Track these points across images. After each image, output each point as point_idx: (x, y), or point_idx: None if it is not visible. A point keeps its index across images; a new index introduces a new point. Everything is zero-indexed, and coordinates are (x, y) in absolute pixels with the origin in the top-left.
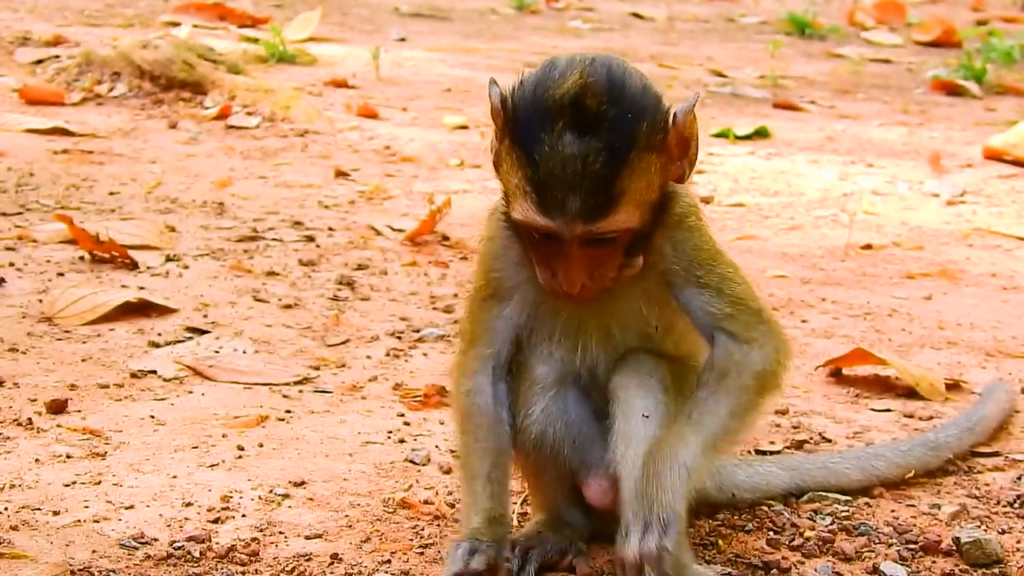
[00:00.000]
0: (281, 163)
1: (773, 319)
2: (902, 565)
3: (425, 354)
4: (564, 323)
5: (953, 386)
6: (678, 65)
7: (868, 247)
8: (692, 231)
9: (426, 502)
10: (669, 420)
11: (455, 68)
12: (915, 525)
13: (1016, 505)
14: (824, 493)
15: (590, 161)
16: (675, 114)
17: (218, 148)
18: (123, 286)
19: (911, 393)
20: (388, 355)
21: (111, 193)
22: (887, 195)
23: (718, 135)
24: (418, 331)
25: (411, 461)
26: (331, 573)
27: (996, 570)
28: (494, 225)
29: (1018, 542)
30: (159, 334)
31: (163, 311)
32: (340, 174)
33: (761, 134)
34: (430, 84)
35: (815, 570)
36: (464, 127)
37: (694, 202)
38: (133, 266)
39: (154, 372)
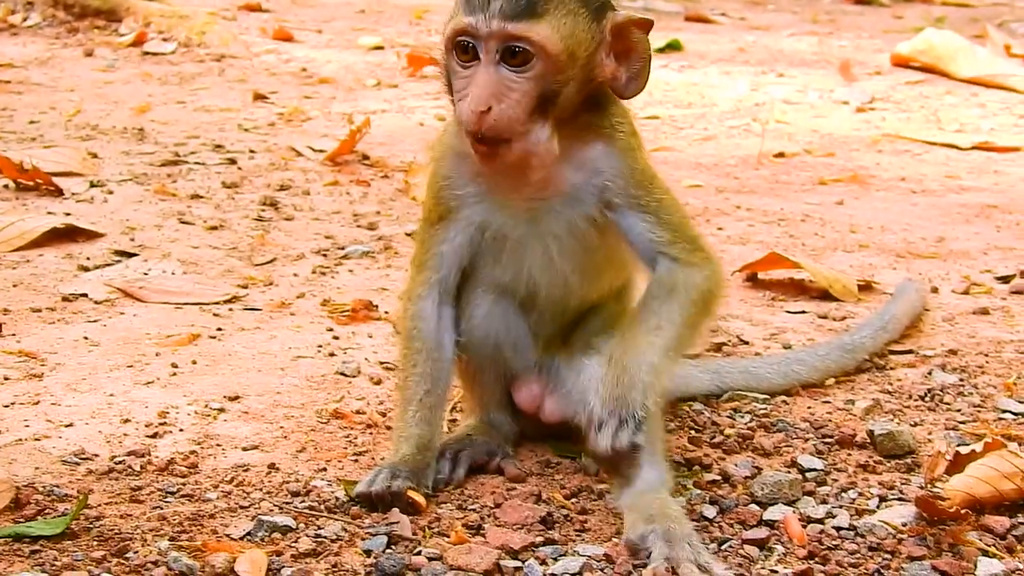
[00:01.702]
0: (199, 88)
1: (708, 245)
2: (818, 458)
3: (351, 271)
4: (509, 246)
5: (865, 287)
6: None
7: (780, 155)
8: (629, 151)
9: (358, 412)
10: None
11: None
12: (830, 420)
13: (927, 399)
14: (744, 392)
15: None
16: (617, 12)
17: (135, 75)
18: (49, 212)
19: (825, 295)
20: (315, 272)
21: (31, 122)
22: (798, 104)
23: None
24: (343, 248)
25: (342, 373)
26: (269, 482)
27: (908, 460)
28: (442, 146)
29: (929, 433)
30: (87, 258)
31: (90, 236)
32: (258, 97)
33: (674, 47)
34: (344, 5)
35: (735, 465)
36: (380, 47)
37: (633, 127)
38: (58, 193)
39: (85, 295)
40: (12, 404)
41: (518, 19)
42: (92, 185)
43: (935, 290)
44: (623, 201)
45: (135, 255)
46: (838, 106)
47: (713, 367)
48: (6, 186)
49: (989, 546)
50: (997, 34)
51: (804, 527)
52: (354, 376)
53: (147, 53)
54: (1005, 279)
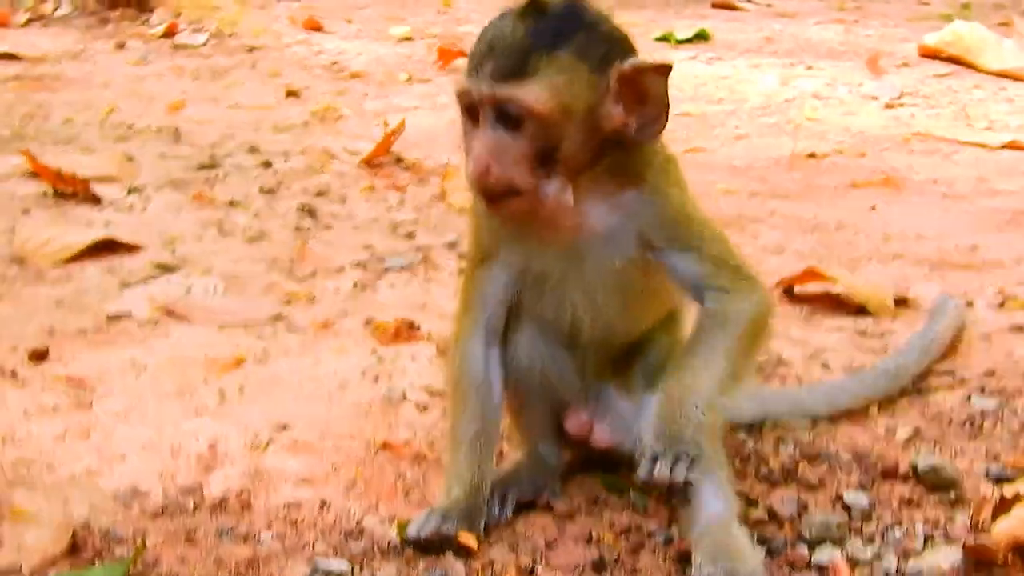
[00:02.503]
0: (232, 83)
1: (752, 270)
2: (863, 492)
3: (392, 285)
4: (550, 287)
5: (901, 302)
6: None
7: (812, 155)
8: (662, 192)
9: (406, 443)
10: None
11: None
12: (872, 451)
13: (967, 426)
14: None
15: (519, 34)
16: (630, 58)
17: (167, 68)
18: (89, 223)
19: (861, 310)
20: (355, 287)
21: (66, 121)
22: (828, 99)
23: (660, 39)
24: (382, 260)
25: (388, 400)
26: (321, 520)
27: (952, 494)
28: None
29: (971, 463)
30: (129, 272)
31: (131, 248)
32: (291, 93)
33: (701, 37)
34: None
35: (782, 501)
36: (409, 38)
37: (667, 165)
38: (96, 201)
39: (129, 314)
40: (63, 436)
41: (507, 81)
42: (130, 191)
43: (970, 304)
44: (661, 242)
45: (177, 269)
46: (867, 101)
47: (760, 396)
48: (45, 194)
49: None
50: (1022, 23)
51: (852, 569)
52: (400, 402)
53: (178, 45)
54: None
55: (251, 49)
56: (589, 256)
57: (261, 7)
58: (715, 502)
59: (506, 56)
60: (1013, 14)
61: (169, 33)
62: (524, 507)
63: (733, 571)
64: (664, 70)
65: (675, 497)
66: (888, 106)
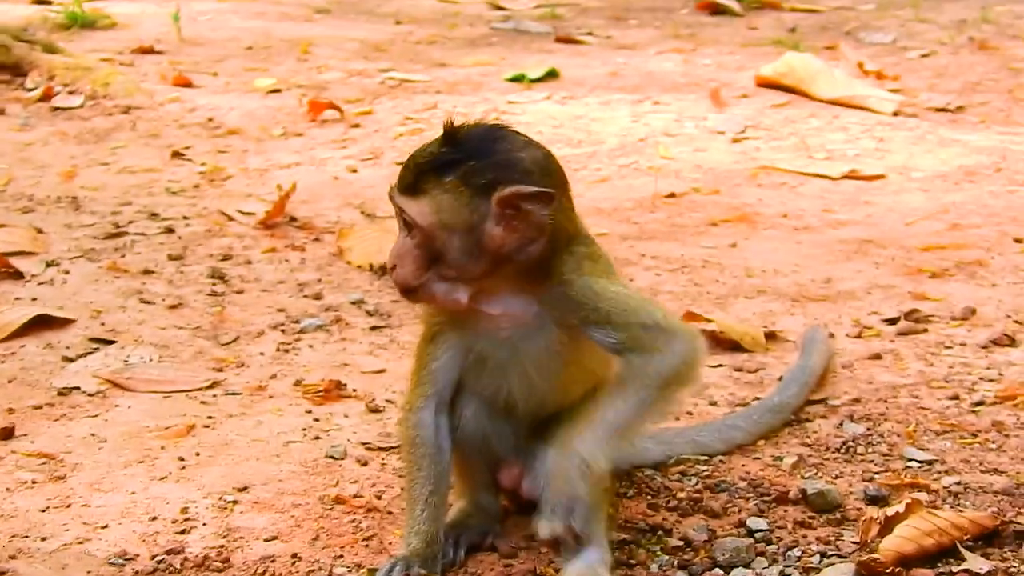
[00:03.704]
0: (116, 146)
1: (672, 323)
2: (761, 517)
3: (311, 346)
4: (489, 367)
5: (770, 336)
6: (458, 0)
7: (672, 195)
8: (573, 284)
9: (356, 495)
10: None
11: (248, 20)
12: (765, 478)
13: (842, 451)
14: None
15: (425, 157)
16: (512, 186)
17: (51, 133)
18: (17, 298)
19: (736, 346)
20: (278, 350)
21: None
22: (677, 135)
23: (513, 79)
24: (297, 322)
25: (331, 457)
26: (296, 571)
27: (838, 514)
28: None
29: (850, 486)
30: (67, 347)
31: (63, 323)
32: (176, 155)
33: (552, 75)
34: (230, 42)
35: (693, 529)
36: (277, 90)
37: (583, 258)
38: (19, 276)
39: (78, 388)
40: (47, 508)
41: (404, 195)
42: (48, 265)
43: (832, 335)
44: (579, 322)
45: (111, 342)
46: (715, 137)
47: (665, 438)
48: None
49: None
50: (849, 51)
51: None
52: (342, 459)
53: (57, 108)
54: (892, 321)
55: (127, 109)
56: (519, 342)
57: (129, 64)
58: (592, 550)
59: (409, 173)
60: (840, 37)
61: (46, 96)
62: (472, 549)
63: None
64: (544, 197)
65: (565, 545)
66: (735, 140)
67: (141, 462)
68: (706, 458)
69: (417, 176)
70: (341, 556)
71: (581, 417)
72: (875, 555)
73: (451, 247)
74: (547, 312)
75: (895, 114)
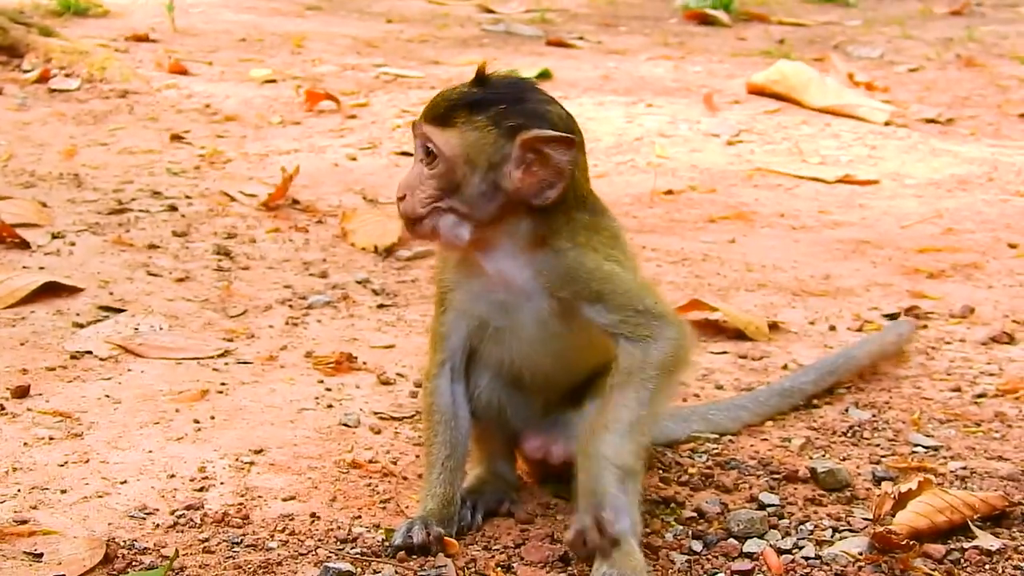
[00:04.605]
0: (115, 128)
1: (664, 309)
2: (772, 493)
3: (319, 321)
4: (490, 335)
5: (773, 326)
6: (447, 2)
7: (670, 192)
8: (567, 254)
9: (371, 461)
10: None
11: (240, 14)
12: (774, 457)
13: (849, 435)
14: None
15: (456, 95)
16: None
17: (49, 114)
18: (25, 267)
19: (739, 335)
20: (287, 324)
21: None
22: (672, 136)
23: None
24: (305, 298)
25: (345, 424)
26: (316, 530)
27: (847, 493)
28: None
29: (857, 467)
30: (77, 314)
31: (71, 291)
32: (175, 138)
33: (545, 76)
34: (223, 34)
35: (706, 502)
36: (272, 80)
37: (587, 226)
38: (26, 246)
39: (90, 352)
40: (65, 464)
41: (432, 124)
42: (54, 237)
43: (833, 328)
44: (571, 296)
45: (121, 311)
46: (709, 139)
47: (682, 416)
48: None
49: (933, 570)
50: (839, 61)
51: (778, 556)
52: (356, 427)
53: (54, 90)
54: (892, 316)
55: (124, 94)
56: (514, 310)
57: (124, 51)
58: (624, 520)
59: (439, 107)
60: (828, 50)
61: (43, 79)
62: (488, 515)
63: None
64: (567, 142)
65: (602, 554)
66: (729, 143)
67: (156, 423)
68: (716, 436)
69: (448, 109)
70: (359, 517)
71: (594, 415)
72: (890, 527)
73: (469, 182)
74: (539, 280)
75: (886, 124)
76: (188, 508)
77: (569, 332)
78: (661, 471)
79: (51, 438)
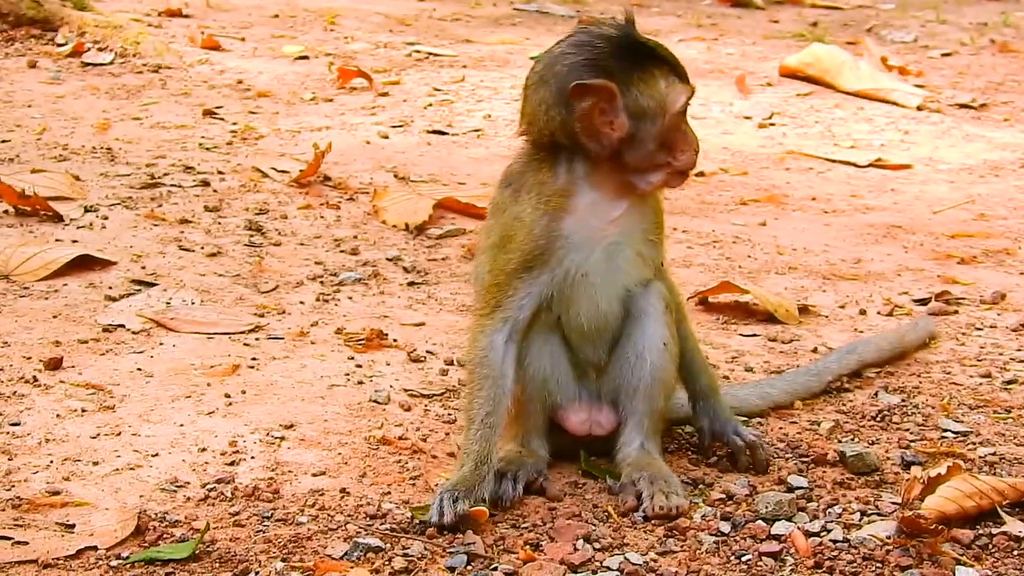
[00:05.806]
0: (148, 102)
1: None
2: (801, 476)
3: (350, 297)
4: (571, 284)
5: (803, 310)
6: None
7: (701, 174)
8: (656, 198)
9: (401, 438)
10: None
11: None
12: (803, 440)
13: (878, 419)
14: None
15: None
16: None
17: (82, 88)
18: (58, 240)
19: (770, 318)
20: (318, 300)
21: (2, 141)
22: (704, 119)
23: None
24: (336, 275)
25: (375, 401)
26: (345, 505)
27: (876, 477)
28: (539, 196)
29: (886, 452)
30: (109, 287)
31: (104, 264)
32: (208, 113)
33: None
34: (256, 10)
35: (735, 484)
36: (305, 57)
37: None
38: (58, 219)
39: (122, 326)
40: (97, 436)
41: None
42: (86, 210)
43: (863, 312)
44: (654, 236)
45: (153, 284)
46: (741, 121)
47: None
48: (7, 211)
49: (961, 555)
50: (873, 45)
51: (806, 538)
52: (386, 403)
53: (87, 64)
54: (922, 301)
55: (157, 68)
56: (617, 250)
57: (158, 26)
58: (650, 443)
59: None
60: (861, 34)
61: (76, 52)
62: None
63: (654, 476)
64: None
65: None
66: (761, 125)
67: (188, 397)
68: (743, 419)
69: None
70: (388, 493)
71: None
72: (919, 512)
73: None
74: (632, 218)
75: (919, 108)
76: (219, 482)
77: (635, 274)
78: (691, 452)
79: (83, 410)
